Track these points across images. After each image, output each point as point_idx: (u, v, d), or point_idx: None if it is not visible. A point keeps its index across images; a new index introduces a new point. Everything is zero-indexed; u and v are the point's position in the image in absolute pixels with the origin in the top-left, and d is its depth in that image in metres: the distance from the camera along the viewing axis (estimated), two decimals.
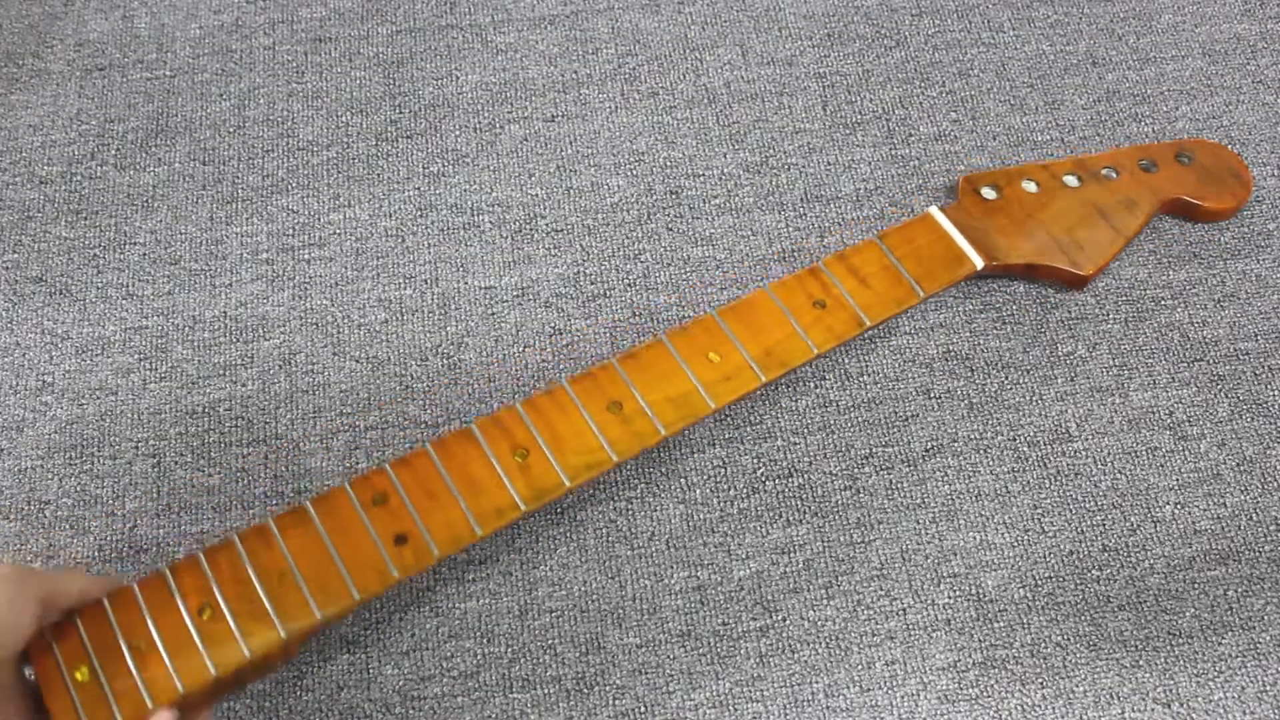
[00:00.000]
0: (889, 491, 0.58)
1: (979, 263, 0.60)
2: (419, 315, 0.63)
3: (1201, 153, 0.66)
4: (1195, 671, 0.55)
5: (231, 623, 0.46)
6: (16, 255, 0.65)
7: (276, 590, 0.47)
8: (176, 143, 0.68)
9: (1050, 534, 0.58)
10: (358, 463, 0.59)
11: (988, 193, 0.63)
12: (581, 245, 0.65)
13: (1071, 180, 0.64)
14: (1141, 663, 0.55)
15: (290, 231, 0.65)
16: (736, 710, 0.53)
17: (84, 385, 0.61)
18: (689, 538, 0.57)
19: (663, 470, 0.59)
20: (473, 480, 0.50)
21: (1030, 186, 0.63)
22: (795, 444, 0.60)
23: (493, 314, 0.63)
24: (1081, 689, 0.54)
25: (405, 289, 0.64)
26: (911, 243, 0.60)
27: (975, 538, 0.57)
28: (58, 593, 0.44)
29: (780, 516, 0.58)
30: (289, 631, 0.46)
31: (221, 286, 0.64)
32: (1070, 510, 0.58)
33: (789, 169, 0.68)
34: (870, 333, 0.63)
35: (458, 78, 0.71)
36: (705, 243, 0.65)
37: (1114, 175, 0.64)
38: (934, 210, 0.61)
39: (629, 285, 0.64)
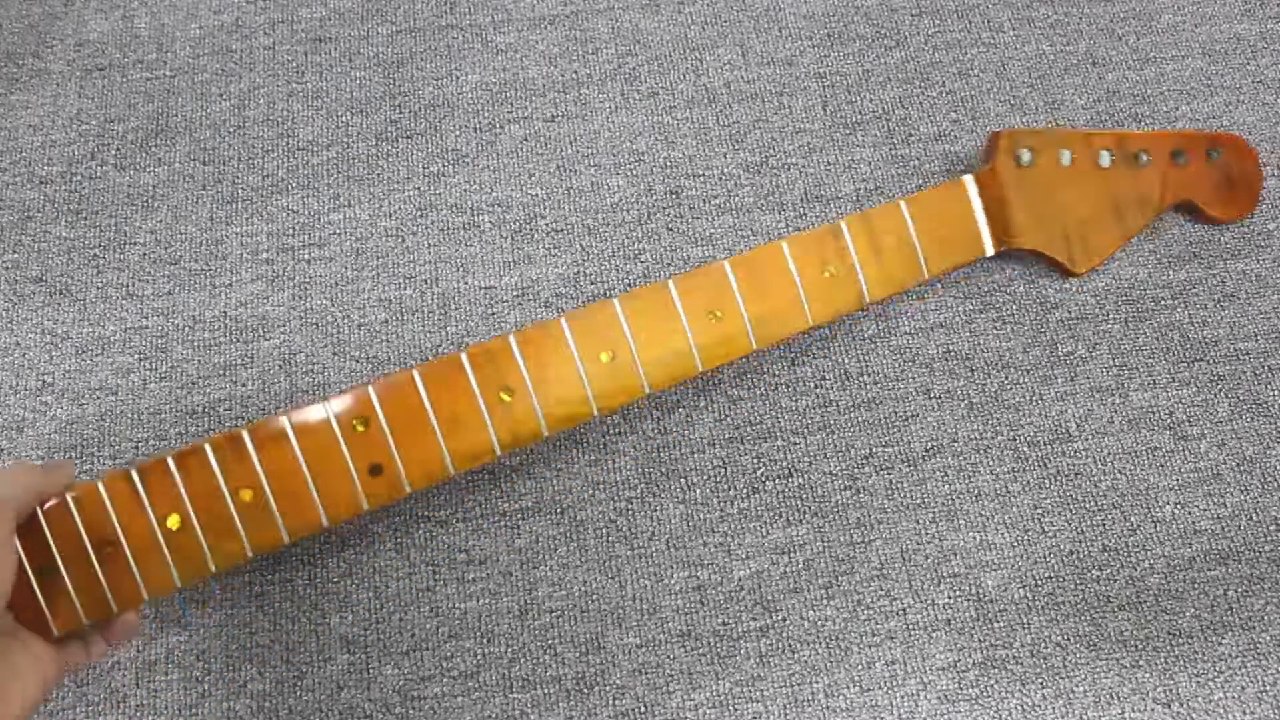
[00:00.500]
0: (889, 491, 0.58)
1: (990, 250, 0.60)
2: (419, 315, 0.63)
3: (1230, 153, 0.65)
4: (1195, 671, 0.55)
5: (200, 537, 0.45)
6: (16, 255, 0.65)
7: (246, 509, 0.46)
8: (176, 143, 0.68)
9: (1050, 534, 0.58)
10: None
11: (1024, 156, 0.61)
12: (581, 245, 0.65)
13: (1105, 159, 0.62)
14: (1141, 663, 0.55)
15: (290, 231, 0.65)
16: (736, 710, 0.53)
17: (84, 385, 0.61)
18: (689, 538, 0.57)
19: (663, 470, 0.59)
20: (454, 416, 0.49)
21: (1065, 158, 0.61)
22: (795, 444, 0.60)
23: (493, 314, 0.63)
24: (1081, 689, 0.54)
25: (405, 289, 0.64)
26: (936, 215, 0.59)
27: (975, 538, 0.57)
28: (22, 512, 0.43)
29: (780, 516, 0.58)
30: (255, 551, 0.46)
31: (221, 286, 0.64)
32: (1070, 510, 0.58)
33: (789, 169, 0.68)
34: (870, 332, 0.63)
35: (458, 78, 0.71)
36: (705, 243, 0.65)
37: (1145, 160, 0.62)
38: (968, 180, 0.60)
39: (629, 285, 0.64)
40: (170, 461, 0.44)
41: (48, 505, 0.44)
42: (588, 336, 0.51)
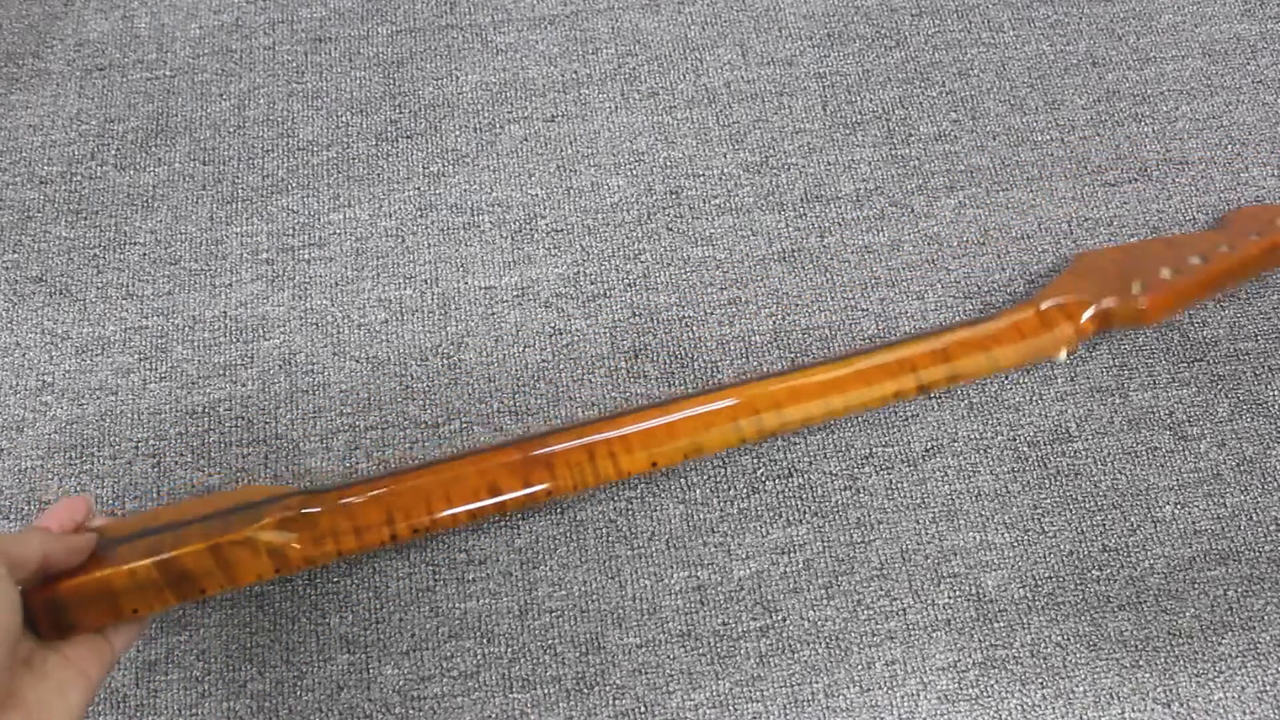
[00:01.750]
0: (889, 491, 0.58)
1: (1063, 359, 0.60)
2: (419, 315, 0.63)
3: None
4: (1195, 671, 0.55)
5: (208, 593, 0.49)
6: (16, 255, 0.65)
7: (258, 575, 0.49)
8: (176, 143, 0.68)
9: (1050, 534, 0.58)
10: (358, 463, 0.59)
11: (1135, 289, 0.59)
12: (581, 245, 0.65)
13: (1195, 260, 0.60)
14: (1141, 663, 0.55)
15: (290, 231, 0.65)
16: (736, 710, 0.53)
17: (84, 385, 0.61)
18: (689, 538, 0.57)
19: (663, 470, 0.59)
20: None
21: (1165, 274, 0.59)
22: (795, 444, 0.60)
23: (493, 314, 0.63)
24: (1081, 689, 0.54)
25: (405, 289, 0.64)
26: (1024, 356, 0.58)
27: (975, 538, 0.57)
28: (18, 564, 0.43)
29: (780, 516, 0.58)
30: (259, 581, 0.50)
31: (221, 286, 0.64)
32: (1070, 510, 0.58)
33: (789, 169, 0.68)
34: (870, 331, 0.63)
35: (458, 78, 0.71)
36: (705, 243, 0.65)
37: (1227, 250, 0.61)
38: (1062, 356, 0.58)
39: (629, 285, 0.64)
40: (202, 593, 0.48)
41: (66, 586, 0.45)
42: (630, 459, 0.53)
